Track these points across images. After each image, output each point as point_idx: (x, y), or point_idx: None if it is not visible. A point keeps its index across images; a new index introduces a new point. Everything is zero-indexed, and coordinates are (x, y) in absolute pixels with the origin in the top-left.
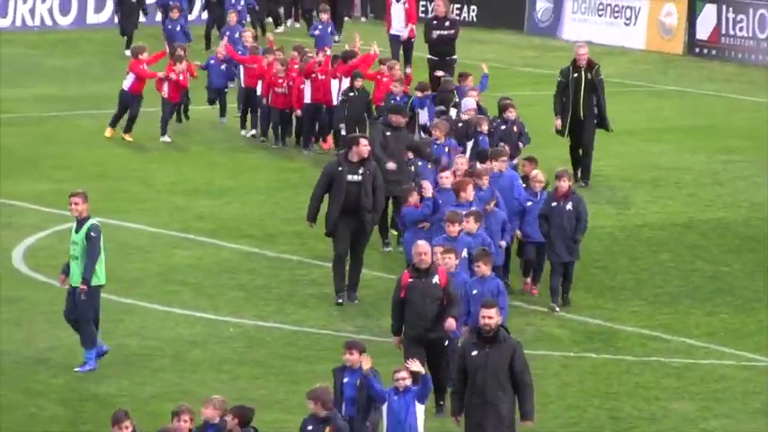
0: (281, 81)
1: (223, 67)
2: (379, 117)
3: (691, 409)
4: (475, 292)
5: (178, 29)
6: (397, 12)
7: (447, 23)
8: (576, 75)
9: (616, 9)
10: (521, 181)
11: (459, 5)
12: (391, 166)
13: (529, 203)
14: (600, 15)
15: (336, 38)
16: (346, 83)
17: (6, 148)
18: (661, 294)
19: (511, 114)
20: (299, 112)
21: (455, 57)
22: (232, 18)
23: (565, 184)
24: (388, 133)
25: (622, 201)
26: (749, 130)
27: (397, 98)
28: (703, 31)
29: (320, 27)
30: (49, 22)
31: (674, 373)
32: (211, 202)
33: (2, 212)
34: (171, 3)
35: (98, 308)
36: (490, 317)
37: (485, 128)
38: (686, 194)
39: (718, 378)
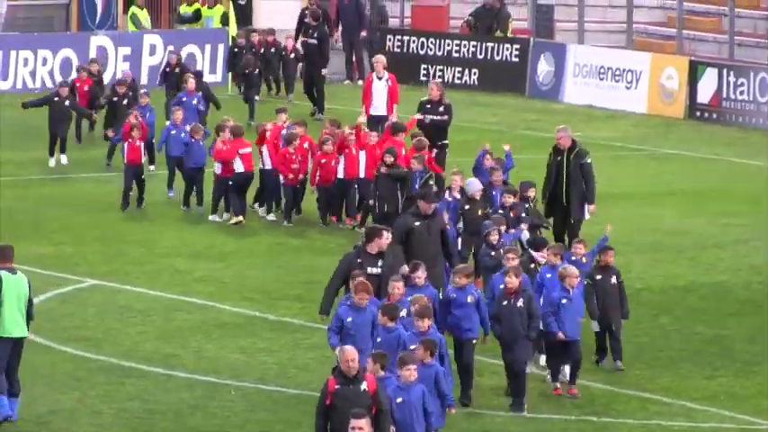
0: (294, 158)
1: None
2: (411, 205)
3: None
4: (400, 400)
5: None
6: (379, 90)
7: (441, 108)
8: (558, 158)
9: (617, 73)
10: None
11: (460, 69)
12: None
13: (563, 301)
14: (601, 79)
15: (319, 115)
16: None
17: (7, 210)
18: (661, 358)
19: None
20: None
21: (446, 141)
22: (189, 84)
23: (514, 281)
24: (417, 224)
25: (623, 264)
26: (750, 194)
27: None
28: (704, 94)
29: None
30: (50, 84)
31: None
32: (212, 266)
33: None
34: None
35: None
36: (360, 428)
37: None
38: (687, 258)
39: None
